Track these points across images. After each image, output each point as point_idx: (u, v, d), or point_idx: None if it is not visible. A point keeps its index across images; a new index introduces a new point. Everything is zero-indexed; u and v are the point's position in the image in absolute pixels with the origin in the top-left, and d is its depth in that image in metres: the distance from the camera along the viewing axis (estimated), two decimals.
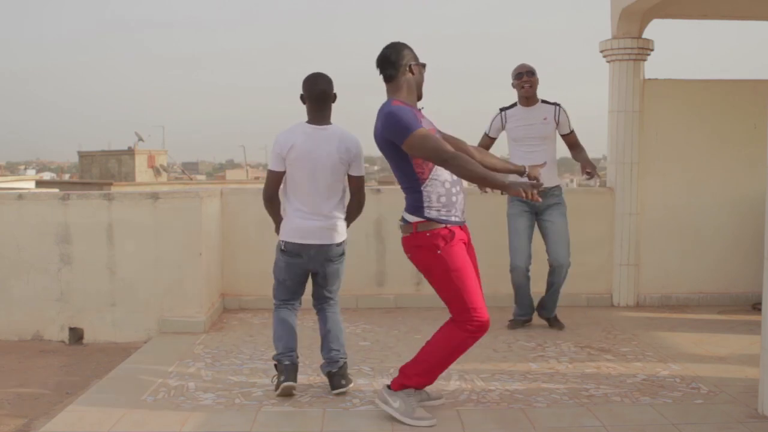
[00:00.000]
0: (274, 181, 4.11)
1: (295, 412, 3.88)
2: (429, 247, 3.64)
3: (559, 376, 4.50)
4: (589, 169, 5.48)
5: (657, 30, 28.20)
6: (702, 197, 6.68)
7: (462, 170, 3.53)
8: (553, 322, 5.71)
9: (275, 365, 4.18)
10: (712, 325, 5.92)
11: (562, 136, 5.63)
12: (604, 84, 6.72)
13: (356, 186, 4.17)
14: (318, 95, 4.05)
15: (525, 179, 3.85)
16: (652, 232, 6.66)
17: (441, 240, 3.63)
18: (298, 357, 4.18)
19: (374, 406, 3.90)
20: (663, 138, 6.64)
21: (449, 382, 4.29)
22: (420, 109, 3.82)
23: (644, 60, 6.59)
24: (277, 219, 4.20)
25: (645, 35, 6.57)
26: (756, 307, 6.24)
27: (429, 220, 3.64)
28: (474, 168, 3.51)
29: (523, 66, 5.55)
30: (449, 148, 3.56)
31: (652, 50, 6.59)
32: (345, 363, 4.17)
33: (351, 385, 4.15)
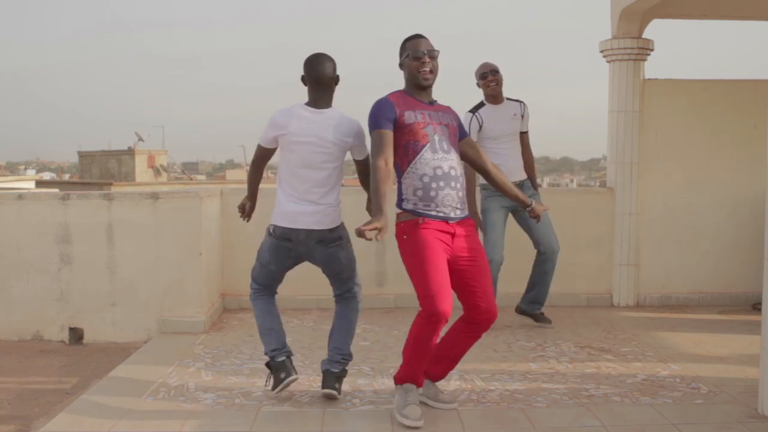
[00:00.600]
0: (259, 155, 4.08)
1: (295, 412, 3.88)
2: (399, 236, 3.72)
3: (559, 376, 4.50)
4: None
5: (657, 30, 28.23)
6: (702, 197, 6.68)
7: (371, 182, 3.65)
8: (541, 318, 5.74)
9: (268, 364, 4.07)
10: (712, 325, 5.92)
11: (520, 133, 5.71)
12: (604, 84, 6.72)
13: (361, 169, 4.04)
14: (318, 77, 3.88)
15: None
16: (652, 232, 6.66)
17: (410, 230, 3.66)
18: (289, 347, 4.09)
19: (374, 406, 3.92)
20: (663, 138, 6.64)
21: (449, 382, 4.29)
22: (432, 102, 3.81)
23: (644, 60, 6.59)
24: (252, 188, 4.21)
25: (645, 35, 6.57)
26: (756, 307, 6.24)
27: (405, 211, 3.70)
28: (376, 189, 3.55)
29: (486, 65, 5.61)
30: (378, 160, 3.60)
31: (652, 50, 6.59)
32: (345, 369, 4.07)
33: (338, 395, 3.99)
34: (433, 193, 3.63)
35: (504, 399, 4.07)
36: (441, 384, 4.11)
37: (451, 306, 3.56)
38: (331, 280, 4.17)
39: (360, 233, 3.35)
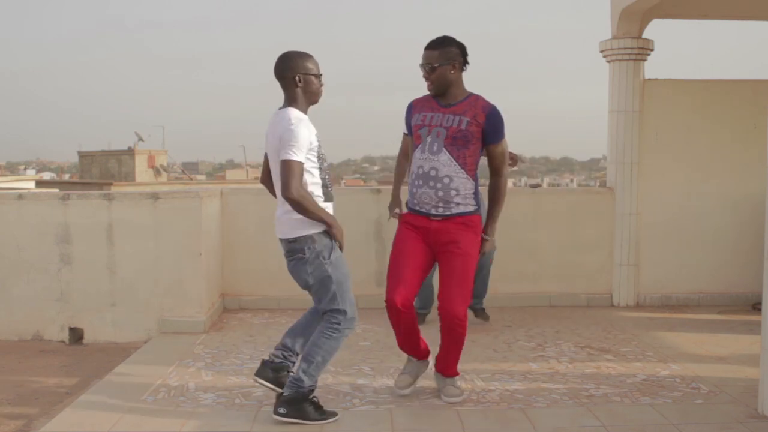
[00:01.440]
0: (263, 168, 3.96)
1: None
2: None
3: (559, 376, 4.50)
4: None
5: (657, 30, 28.18)
6: (702, 197, 6.68)
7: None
8: (480, 313, 5.80)
9: None
10: (712, 325, 5.92)
11: None
12: (604, 84, 6.72)
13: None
14: (276, 76, 3.76)
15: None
16: (652, 232, 6.66)
17: (399, 223, 4.09)
18: (283, 355, 3.87)
19: (374, 406, 3.93)
20: (663, 138, 6.64)
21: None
22: (449, 105, 3.86)
23: (644, 60, 6.59)
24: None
25: (645, 35, 6.57)
26: (756, 307, 6.24)
27: (407, 204, 4.08)
28: (395, 180, 4.41)
29: None
30: (398, 165, 4.58)
31: (652, 50, 6.59)
32: (289, 371, 3.79)
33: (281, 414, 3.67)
34: (414, 190, 3.93)
35: (504, 399, 4.07)
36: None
37: (404, 298, 3.79)
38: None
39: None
